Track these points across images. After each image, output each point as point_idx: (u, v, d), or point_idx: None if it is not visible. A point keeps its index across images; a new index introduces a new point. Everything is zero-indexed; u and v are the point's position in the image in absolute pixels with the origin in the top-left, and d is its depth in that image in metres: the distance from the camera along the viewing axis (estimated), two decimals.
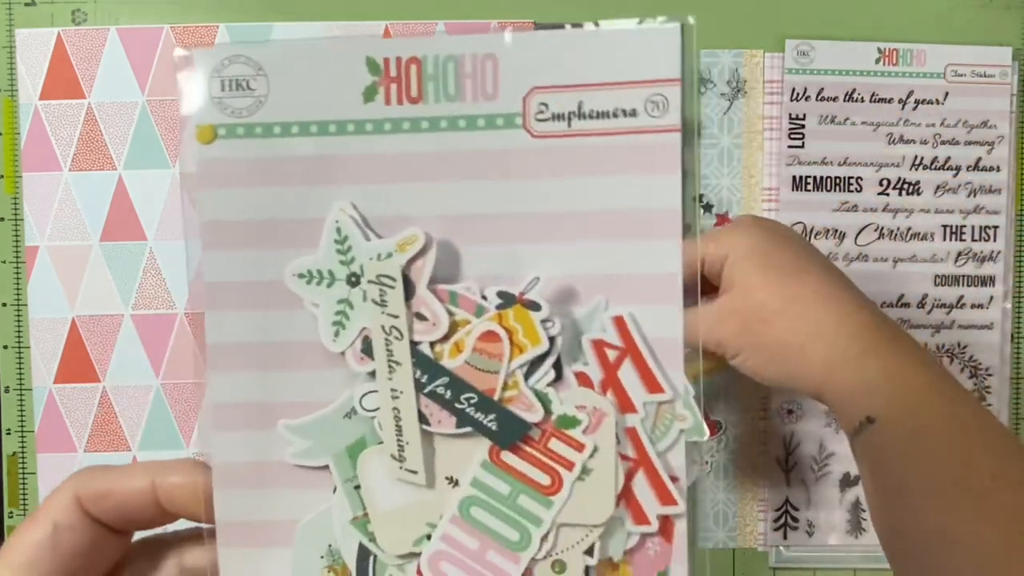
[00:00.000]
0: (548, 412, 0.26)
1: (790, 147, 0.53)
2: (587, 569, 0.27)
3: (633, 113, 0.26)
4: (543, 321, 0.26)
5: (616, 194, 0.26)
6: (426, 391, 0.26)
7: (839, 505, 0.54)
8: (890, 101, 0.53)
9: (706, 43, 0.53)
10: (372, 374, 0.27)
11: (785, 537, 0.54)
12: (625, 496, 0.27)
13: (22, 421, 0.53)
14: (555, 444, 0.26)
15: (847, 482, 0.54)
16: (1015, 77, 0.53)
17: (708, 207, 0.54)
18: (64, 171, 0.52)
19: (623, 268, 0.27)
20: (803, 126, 0.53)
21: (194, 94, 0.28)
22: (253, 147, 0.28)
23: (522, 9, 0.53)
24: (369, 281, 0.26)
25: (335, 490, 0.28)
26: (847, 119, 0.53)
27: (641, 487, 0.27)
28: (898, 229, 0.53)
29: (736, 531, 0.55)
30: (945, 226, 0.54)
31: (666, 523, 0.28)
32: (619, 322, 0.27)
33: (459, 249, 0.27)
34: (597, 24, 0.26)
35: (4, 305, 0.53)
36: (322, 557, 0.28)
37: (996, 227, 0.54)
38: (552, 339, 0.26)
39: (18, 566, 0.27)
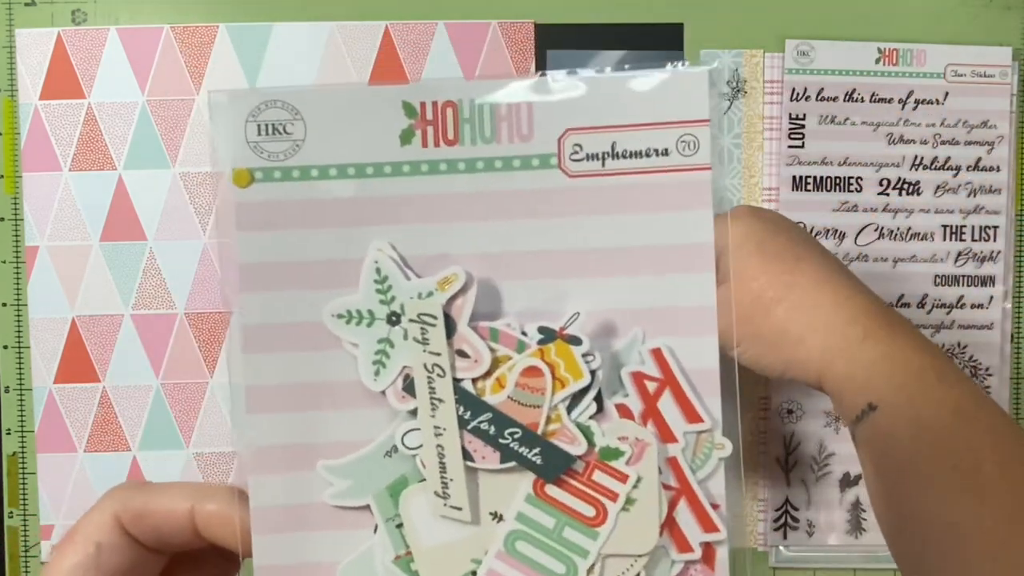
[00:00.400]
0: (591, 444, 0.27)
1: (790, 147, 0.53)
2: None
3: (665, 152, 0.27)
4: (584, 355, 0.27)
5: (650, 230, 0.28)
6: (469, 427, 0.27)
7: (839, 505, 0.54)
8: (890, 101, 0.53)
9: (706, 43, 0.53)
10: (413, 412, 0.27)
11: (785, 537, 0.54)
12: (668, 525, 0.28)
13: (22, 421, 0.53)
14: (599, 476, 0.27)
15: (847, 482, 0.54)
16: (1015, 77, 0.53)
17: None
18: (64, 171, 0.52)
19: (659, 302, 0.28)
20: (803, 126, 0.53)
21: (229, 137, 0.28)
22: (291, 190, 0.28)
23: (522, 9, 0.53)
24: (410, 320, 0.27)
25: (376, 530, 0.28)
26: (847, 119, 0.53)
27: (684, 516, 0.28)
28: (898, 229, 0.53)
29: (736, 531, 0.54)
30: (945, 226, 0.54)
31: (708, 550, 0.29)
32: (657, 354, 0.27)
33: (499, 286, 0.27)
34: (629, 69, 0.27)
35: (4, 305, 0.53)
36: None
37: (996, 227, 0.54)
38: (593, 372, 0.27)
39: None
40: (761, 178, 0.53)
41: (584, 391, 0.27)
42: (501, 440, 0.26)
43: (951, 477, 0.33)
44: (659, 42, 0.53)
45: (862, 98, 0.53)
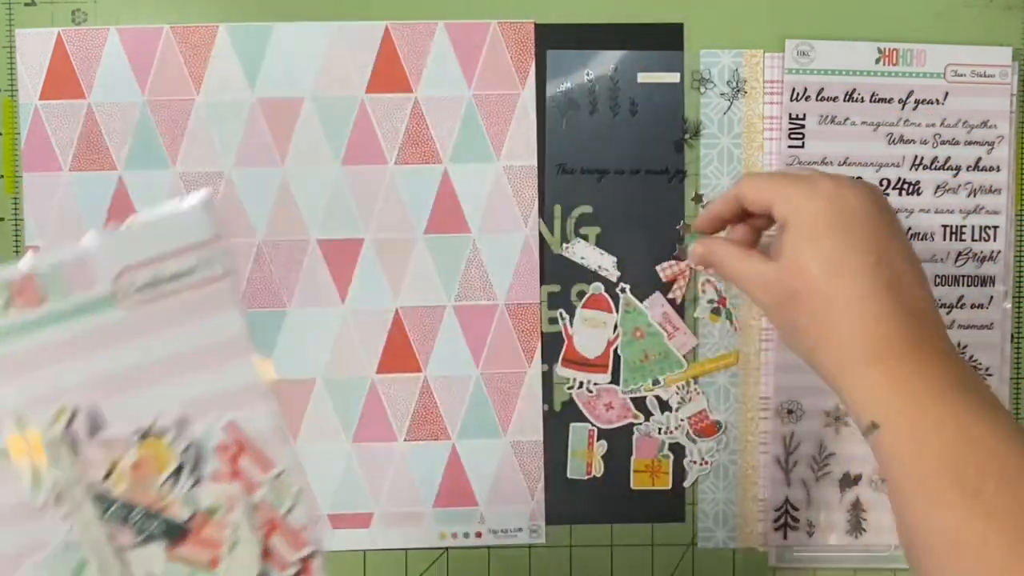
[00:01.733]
0: (196, 509, 0.34)
1: (790, 147, 0.53)
2: None
3: (192, 272, 0.35)
4: (174, 442, 0.34)
5: (198, 335, 0.35)
6: (106, 517, 0.34)
7: (839, 505, 0.54)
8: (890, 101, 0.53)
9: (706, 43, 0.53)
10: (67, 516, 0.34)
11: (785, 537, 0.54)
12: (267, 553, 0.35)
13: None
14: (208, 531, 0.34)
15: (847, 482, 0.54)
16: (1015, 77, 0.53)
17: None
18: (64, 171, 0.52)
19: (220, 387, 0.35)
20: (803, 126, 0.53)
21: None
22: None
23: (522, 9, 0.53)
24: (46, 446, 0.34)
25: None
26: (847, 119, 0.53)
27: (278, 542, 0.35)
28: None
29: (736, 531, 0.55)
30: (945, 226, 0.54)
31: (306, 562, 0.35)
32: (230, 427, 0.35)
33: (102, 406, 0.34)
34: (143, 215, 0.35)
35: None
36: None
37: (996, 227, 0.54)
38: (183, 454, 0.34)
39: None
40: None
41: (179, 470, 0.34)
42: (132, 521, 0.34)
43: (954, 496, 0.34)
44: (659, 42, 0.53)
45: (862, 98, 0.53)
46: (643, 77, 0.53)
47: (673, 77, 0.53)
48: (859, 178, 0.44)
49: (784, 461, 0.54)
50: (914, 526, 0.36)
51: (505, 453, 0.54)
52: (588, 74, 0.53)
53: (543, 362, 0.54)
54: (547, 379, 0.54)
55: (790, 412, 0.54)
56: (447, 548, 0.54)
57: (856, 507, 0.54)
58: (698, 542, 0.55)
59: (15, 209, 0.53)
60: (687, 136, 0.54)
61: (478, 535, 0.54)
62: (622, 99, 0.53)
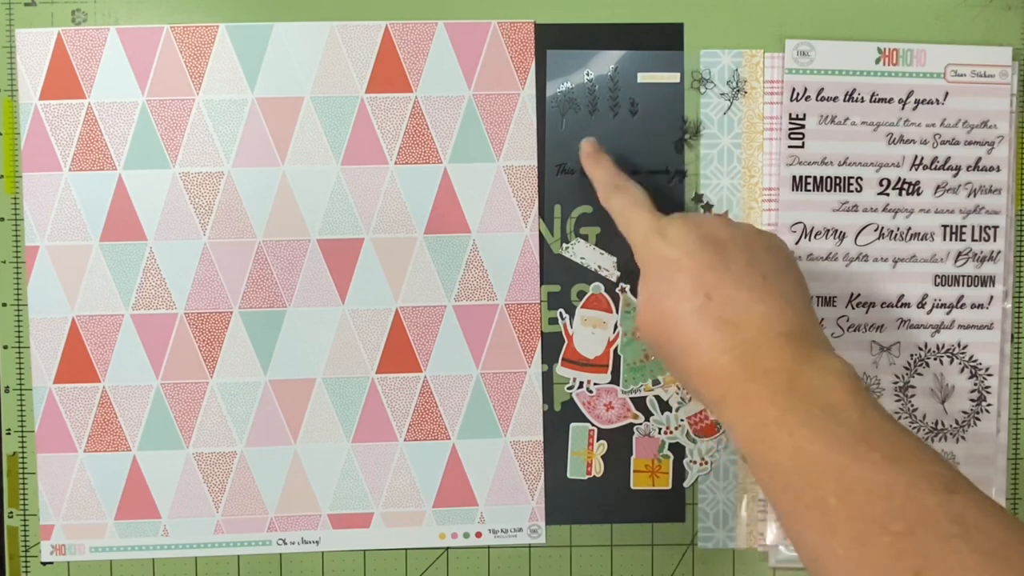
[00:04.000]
0: None
1: (790, 147, 0.53)
2: None
3: None
4: None
5: None
6: None
7: None
8: (890, 101, 0.53)
9: (706, 43, 0.53)
10: None
11: (785, 537, 0.54)
12: None
13: (22, 421, 0.53)
14: None
15: None
16: (1015, 77, 0.53)
17: (708, 207, 0.54)
18: (64, 171, 0.52)
19: None
20: (803, 126, 0.53)
21: None
22: None
23: (522, 9, 0.53)
24: None
25: None
26: (847, 119, 0.53)
27: None
28: (898, 229, 0.53)
29: (736, 531, 0.55)
30: (945, 226, 0.54)
31: None
32: None
33: None
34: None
35: (4, 305, 0.53)
36: None
37: (996, 227, 0.54)
38: None
39: None
40: (761, 178, 0.53)
41: None
42: None
43: (804, 516, 0.35)
44: (659, 42, 0.53)
45: (862, 98, 0.53)
46: (643, 77, 0.53)
47: (673, 77, 0.53)
48: (722, 214, 0.48)
49: None
50: (797, 546, 0.37)
51: (505, 453, 0.54)
52: (588, 74, 0.53)
53: (543, 362, 0.54)
54: (547, 379, 0.54)
55: None
56: (447, 548, 0.54)
57: None
58: (698, 542, 0.55)
59: (15, 209, 0.53)
60: (687, 136, 0.54)
61: (478, 535, 0.54)
62: (622, 99, 0.53)
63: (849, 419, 0.36)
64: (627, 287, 0.54)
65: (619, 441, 0.54)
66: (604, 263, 0.54)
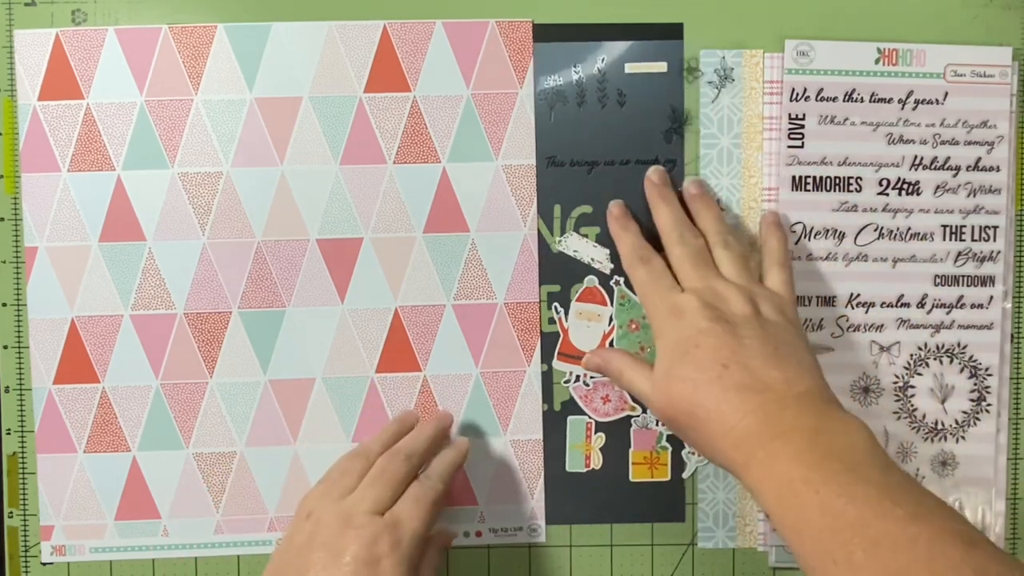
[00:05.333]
0: None
1: (790, 147, 0.53)
2: None
3: None
4: None
5: None
6: None
7: None
8: (890, 101, 0.53)
9: (706, 43, 0.53)
10: None
11: None
12: None
13: (22, 421, 0.53)
14: None
15: None
16: (1015, 77, 0.53)
17: None
18: (63, 171, 0.52)
19: None
20: (803, 126, 0.53)
21: None
22: None
23: (521, 8, 0.53)
24: None
25: None
26: (847, 119, 0.53)
27: None
28: (898, 229, 0.53)
29: (736, 531, 0.55)
30: (945, 226, 0.54)
31: None
32: None
33: None
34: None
35: (4, 305, 0.53)
36: None
37: (996, 227, 0.54)
38: None
39: None
40: (761, 178, 0.53)
41: None
42: None
43: (833, 570, 0.37)
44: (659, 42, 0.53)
45: (862, 98, 0.53)
46: (631, 68, 0.53)
47: (660, 67, 0.53)
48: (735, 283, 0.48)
49: None
50: None
51: (505, 452, 0.54)
52: (575, 66, 0.53)
53: (543, 361, 0.54)
54: (547, 378, 0.54)
55: None
56: (447, 548, 0.54)
57: None
58: (698, 542, 0.55)
59: (15, 209, 0.53)
60: (676, 125, 0.53)
61: (478, 534, 0.54)
62: (610, 90, 0.53)
63: (871, 476, 0.38)
64: (621, 280, 0.54)
65: (617, 433, 0.54)
66: (597, 255, 0.54)
